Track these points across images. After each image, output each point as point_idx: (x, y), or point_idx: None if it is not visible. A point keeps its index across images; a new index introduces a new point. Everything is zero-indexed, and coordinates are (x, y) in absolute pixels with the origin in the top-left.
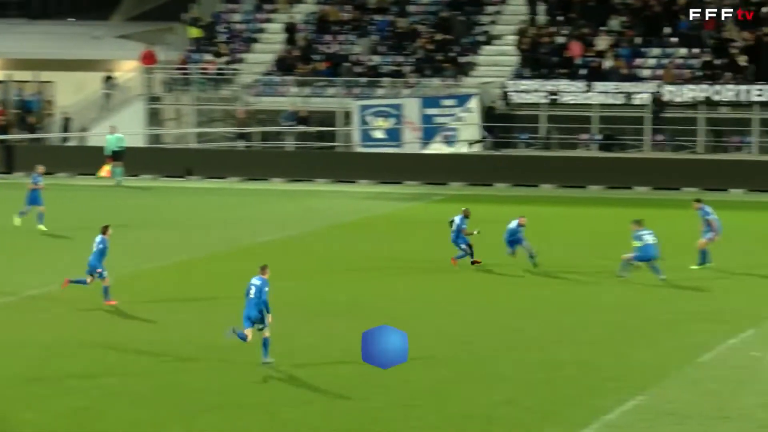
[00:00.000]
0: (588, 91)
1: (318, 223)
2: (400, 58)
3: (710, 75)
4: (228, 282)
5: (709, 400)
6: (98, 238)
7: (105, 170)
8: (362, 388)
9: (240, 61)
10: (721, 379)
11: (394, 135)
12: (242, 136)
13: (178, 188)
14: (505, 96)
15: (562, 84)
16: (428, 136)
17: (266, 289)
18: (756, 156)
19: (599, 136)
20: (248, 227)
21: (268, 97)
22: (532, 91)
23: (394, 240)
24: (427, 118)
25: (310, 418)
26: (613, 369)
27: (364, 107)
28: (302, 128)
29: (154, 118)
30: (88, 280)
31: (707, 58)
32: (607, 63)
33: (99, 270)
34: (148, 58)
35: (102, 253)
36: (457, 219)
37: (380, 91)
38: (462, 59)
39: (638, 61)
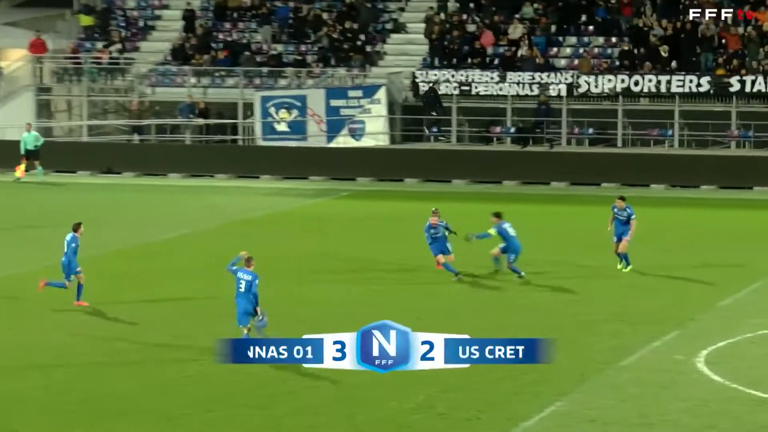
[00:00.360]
0: (501, 82)
1: (218, 221)
2: (303, 47)
3: (629, 65)
4: (125, 282)
5: (631, 406)
6: (69, 237)
7: (21, 170)
8: (267, 394)
9: (134, 50)
10: (643, 384)
11: (298, 128)
12: (137, 130)
13: (71, 184)
14: (414, 87)
15: (474, 74)
16: (334, 129)
17: (257, 282)
18: (677, 150)
19: (513, 129)
20: (144, 225)
21: (165, 87)
22: (442, 82)
23: (298, 238)
24: (332, 110)
25: (212, 426)
26: (531, 373)
27: (266, 99)
28: (201, 121)
29: (44, 110)
30: (67, 283)
31: (626, 47)
32: (521, 52)
33: (79, 269)
34: (37, 47)
35: (75, 252)
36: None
37: (283, 82)
38: (369, 48)
39: (554, 50)
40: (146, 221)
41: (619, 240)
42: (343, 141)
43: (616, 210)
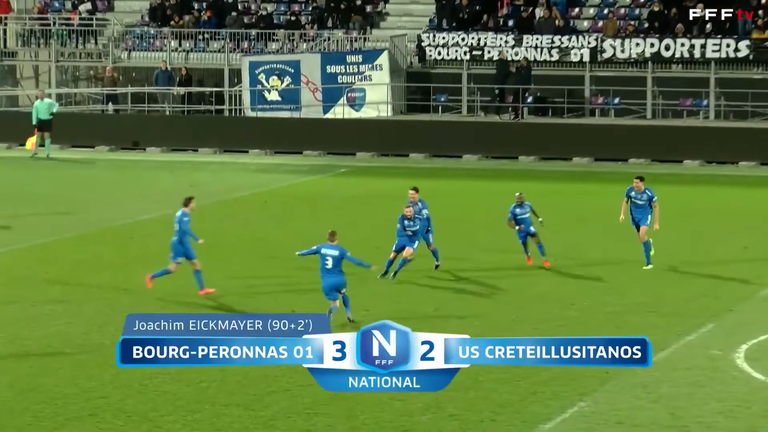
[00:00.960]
0: (517, 46)
1: (202, 200)
2: (296, 7)
3: (659, 27)
4: (97, 267)
5: (663, 407)
6: (178, 213)
7: (31, 142)
8: (256, 393)
9: (108, 10)
10: (676, 382)
11: (290, 97)
12: (111, 99)
13: (38, 159)
14: (420, 52)
15: (487, 37)
16: (331, 98)
17: (348, 254)
18: (713, 122)
19: (530, 99)
20: (119, 204)
21: (142, 52)
22: (451, 46)
23: (291, 220)
24: (329, 78)
25: (195, 428)
26: (549, 371)
27: (255, 64)
28: (182, 89)
29: (8, 76)
30: (172, 266)
31: (656, 7)
32: (539, 13)
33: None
34: (1, 7)
35: (186, 231)
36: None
37: (274, 46)
38: (369, 8)
39: (575, 10)
40: (121, 200)
41: (639, 225)
42: (340, 111)
43: (633, 193)
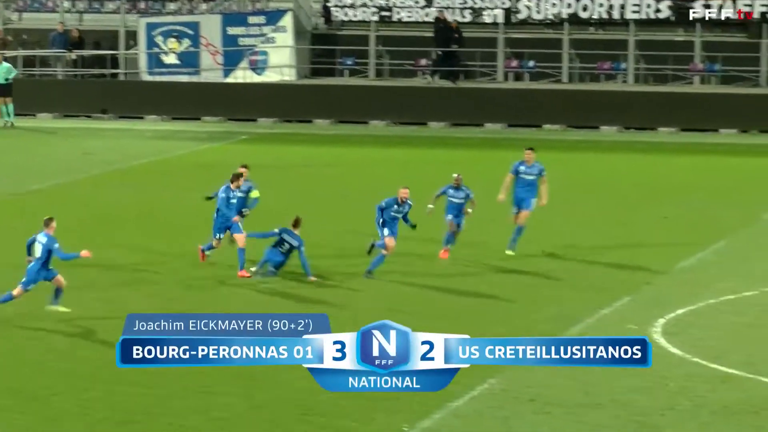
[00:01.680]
0: (427, 7)
1: (96, 169)
2: None
3: None
4: None
5: (576, 384)
6: (221, 189)
7: None
8: (153, 372)
9: None
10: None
11: (189, 60)
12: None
13: None
14: (326, 13)
15: None
16: (231, 61)
17: (303, 248)
18: (632, 86)
19: (434, 59)
20: (8, 173)
21: (34, 13)
22: (359, 7)
23: (190, 190)
24: (229, 40)
25: (87, 407)
26: None
27: (152, 26)
28: (76, 52)
29: None
30: (215, 242)
31: None
32: None
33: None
34: None
35: (228, 206)
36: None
37: (172, 6)
38: None
39: None
40: (10, 169)
41: (521, 208)
42: (242, 75)
43: (523, 168)
